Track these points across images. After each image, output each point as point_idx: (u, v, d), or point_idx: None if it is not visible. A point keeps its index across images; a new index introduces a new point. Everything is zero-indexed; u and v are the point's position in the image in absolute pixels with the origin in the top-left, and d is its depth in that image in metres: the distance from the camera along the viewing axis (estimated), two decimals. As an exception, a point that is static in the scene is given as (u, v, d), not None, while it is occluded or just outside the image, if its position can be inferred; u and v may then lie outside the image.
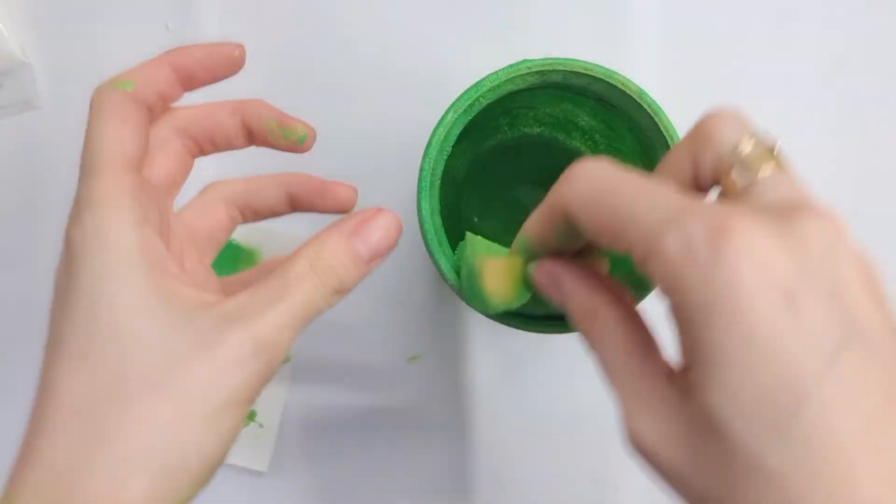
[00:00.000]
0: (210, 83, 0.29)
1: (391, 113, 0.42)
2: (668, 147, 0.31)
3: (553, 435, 0.43)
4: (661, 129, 0.31)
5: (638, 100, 0.31)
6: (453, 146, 0.32)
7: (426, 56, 0.43)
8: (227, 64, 0.28)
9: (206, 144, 0.29)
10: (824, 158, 0.43)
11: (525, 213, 0.40)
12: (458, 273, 0.30)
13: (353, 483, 0.43)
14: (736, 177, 0.21)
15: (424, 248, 0.31)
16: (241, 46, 0.29)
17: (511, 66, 0.31)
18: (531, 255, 0.25)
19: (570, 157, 0.39)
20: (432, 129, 0.31)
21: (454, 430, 0.43)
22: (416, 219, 0.31)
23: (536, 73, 0.31)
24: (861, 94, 0.43)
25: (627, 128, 0.34)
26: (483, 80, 0.31)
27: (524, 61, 0.31)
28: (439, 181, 0.32)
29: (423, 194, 0.31)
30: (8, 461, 0.24)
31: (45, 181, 0.42)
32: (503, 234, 0.41)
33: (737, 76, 0.43)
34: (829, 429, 0.18)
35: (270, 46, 0.43)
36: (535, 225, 0.25)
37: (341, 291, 0.26)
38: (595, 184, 0.21)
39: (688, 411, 0.20)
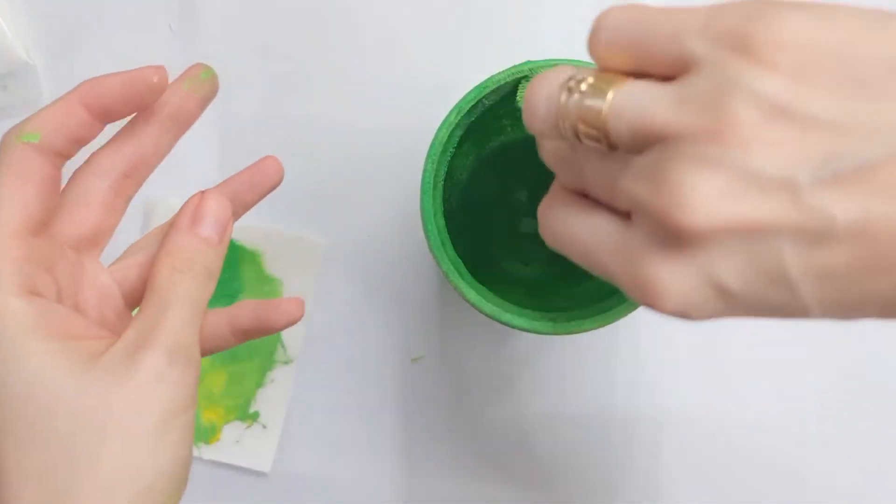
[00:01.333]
0: (130, 115, 0.28)
1: (394, 114, 0.42)
2: None
3: (556, 435, 0.43)
4: None
5: None
6: (456, 147, 0.32)
7: (429, 57, 0.43)
8: (147, 92, 0.27)
9: (138, 178, 0.29)
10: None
11: (529, 215, 0.40)
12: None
13: (354, 484, 0.43)
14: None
15: (427, 249, 0.31)
16: (160, 70, 0.27)
17: (514, 66, 0.31)
18: None
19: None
20: (435, 130, 0.31)
21: (457, 430, 0.43)
22: (419, 219, 0.31)
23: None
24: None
25: None
26: (486, 81, 0.31)
27: (527, 62, 0.31)
28: (442, 182, 0.32)
29: (425, 195, 0.31)
30: None
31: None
32: (507, 236, 0.41)
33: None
34: None
35: (273, 47, 0.43)
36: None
37: (213, 276, 0.27)
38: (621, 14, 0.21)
39: None
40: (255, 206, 0.42)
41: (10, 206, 0.24)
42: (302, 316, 0.29)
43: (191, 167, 0.42)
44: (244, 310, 0.29)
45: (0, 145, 0.25)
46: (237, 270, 0.42)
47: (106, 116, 0.26)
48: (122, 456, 0.23)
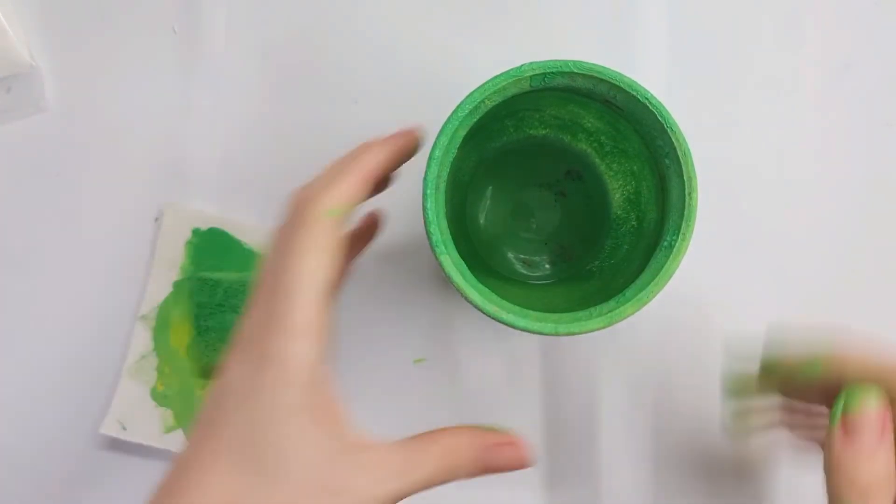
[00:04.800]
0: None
1: (397, 115, 0.42)
2: (673, 149, 0.31)
3: (558, 436, 0.43)
4: (668, 130, 0.31)
5: (644, 102, 0.31)
6: (458, 148, 0.32)
7: (432, 58, 0.43)
8: (412, 152, 0.30)
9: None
10: (831, 162, 0.43)
11: (531, 216, 0.40)
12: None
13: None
14: None
15: (430, 250, 0.31)
16: (416, 130, 0.30)
17: (516, 68, 0.31)
18: None
19: (576, 158, 0.39)
20: (437, 131, 0.31)
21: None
22: (422, 221, 0.31)
23: (541, 75, 0.31)
24: (868, 97, 0.43)
25: (633, 129, 0.34)
26: (488, 82, 0.31)
27: (529, 64, 0.31)
28: (444, 183, 0.32)
29: (428, 196, 0.31)
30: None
31: (53, 185, 0.43)
32: (508, 237, 0.41)
33: (744, 79, 0.43)
34: None
35: (276, 49, 0.43)
36: None
37: (454, 478, 0.28)
38: None
39: None
40: (259, 207, 0.42)
41: (318, 273, 0.26)
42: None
43: (194, 170, 0.42)
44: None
45: (304, 211, 0.27)
46: (247, 274, 0.42)
47: (378, 186, 0.30)
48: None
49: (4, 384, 0.43)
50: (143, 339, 0.42)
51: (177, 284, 0.42)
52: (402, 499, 0.26)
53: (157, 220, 0.42)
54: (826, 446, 0.29)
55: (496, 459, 0.28)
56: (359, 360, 0.43)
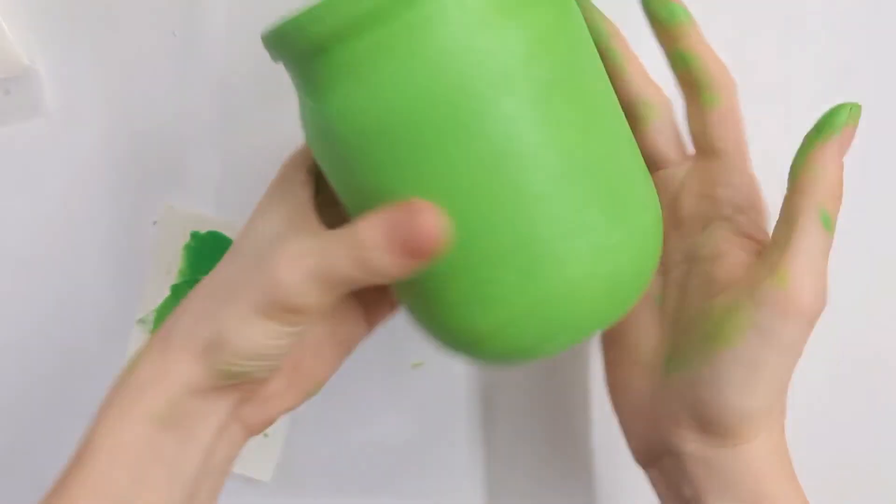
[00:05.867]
0: None
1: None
2: None
3: (559, 437, 0.43)
4: None
5: None
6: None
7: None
8: None
9: None
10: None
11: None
12: None
13: (357, 490, 0.43)
14: None
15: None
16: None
17: None
18: None
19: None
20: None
21: (459, 435, 0.43)
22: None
23: None
24: (868, 102, 0.43)
25: None
26: None
27: None
28: None
29: None
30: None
31: (51, 188, 0.42)
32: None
33: (743, 82, 0.43)
34: None
35: (276, 53, 0.43)
36: None
37: (369, 261, 0.27)
38: None
39: None
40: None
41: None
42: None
43: (193, 173, 0.42)
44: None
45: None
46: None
47: None
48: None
49: (3, 387, 0.43)
50: (141, 342, 0.42)
51: (175, 288, 0.42)
52: (324, 281, 0.26)
53: (155, 223, 0.42)
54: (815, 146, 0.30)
55: (406, 232, 0.25)
56: (357, 363, 0.43)
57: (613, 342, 0.34)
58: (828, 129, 0.29)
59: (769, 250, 0.30)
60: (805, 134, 0.30)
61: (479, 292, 0.26)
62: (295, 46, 0.26)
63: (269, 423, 0.32)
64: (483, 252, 0.26)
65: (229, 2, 0.42)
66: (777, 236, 0.30)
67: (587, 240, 0.26)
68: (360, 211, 0.27)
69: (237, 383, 0.29)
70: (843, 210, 0.43)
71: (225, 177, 0.42)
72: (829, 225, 0.29)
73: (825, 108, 0.43)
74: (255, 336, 0.27)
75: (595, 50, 0.29)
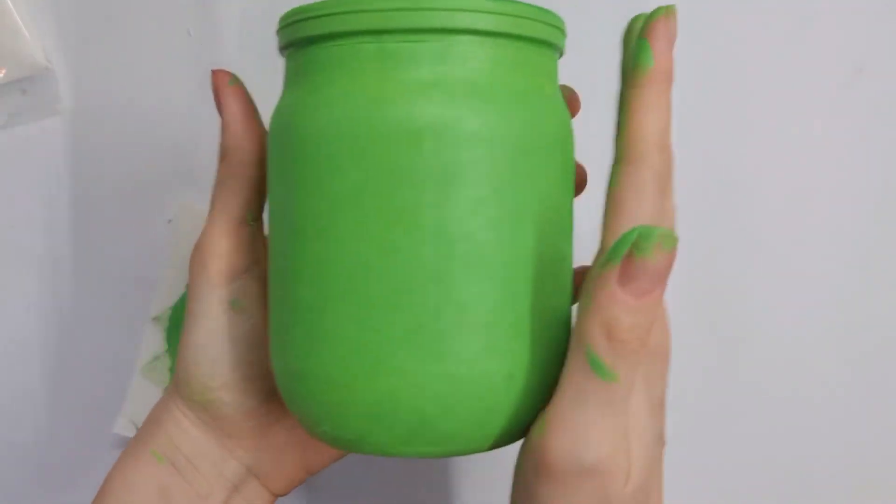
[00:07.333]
0: None
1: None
2: None
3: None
4: None
5: None
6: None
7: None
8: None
9: None
10: (845, 165, 0.42)
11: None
12: None
13: (358, 493, 0.43)
14: None
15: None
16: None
17: None
18: None
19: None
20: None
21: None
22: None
23: None
24: (881, 100, 0.43)
25: None
26: None
27: None
28: None
29: None
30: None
31: (67, 186, 0.43)
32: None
33: (756, 81, 0.43)
34: None
35: (290, 52, 0.43)
36: None
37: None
38: None
39: None
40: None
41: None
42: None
43: (209, 171, 0.43)
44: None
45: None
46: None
47: None
48: None
49: (19, 384, 0.43)
50: (155, 341, 0.42)
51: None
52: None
53: (170, 221, 0.42)
54: (594, 279, 0.23)
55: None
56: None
57: None
58: (614, 258, 0.23)
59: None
60: (594, 259, 0.26)
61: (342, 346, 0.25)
62: (296, 33, 0.27)
63: (291, 482, 0.32)
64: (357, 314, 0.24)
65: (244, 1, 0.42)
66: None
67: (415, 355, 0.24)
68: (279, 219, 0.28)
69: (218, 417, 0.30)
70: (856, 212, 0.43)
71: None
72: (600, 370, 0.23)
73: (839, 105, 0.43)
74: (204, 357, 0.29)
75: (568, 165, 0.27)
